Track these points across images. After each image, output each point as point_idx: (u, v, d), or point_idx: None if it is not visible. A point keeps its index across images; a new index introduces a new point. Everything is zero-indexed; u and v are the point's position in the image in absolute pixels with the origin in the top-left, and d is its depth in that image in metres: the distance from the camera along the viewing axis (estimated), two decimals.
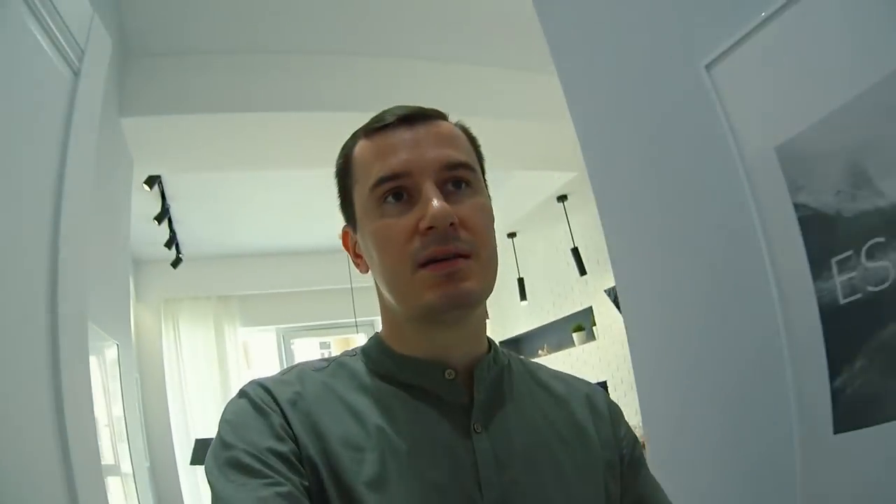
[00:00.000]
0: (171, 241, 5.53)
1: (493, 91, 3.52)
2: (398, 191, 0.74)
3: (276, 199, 5.44)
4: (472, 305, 0.74)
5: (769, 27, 0.98)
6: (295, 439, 0.69)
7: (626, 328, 1.38)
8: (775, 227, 0.98)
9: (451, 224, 0.71)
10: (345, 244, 0.87)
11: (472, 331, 0.81)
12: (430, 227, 0.70)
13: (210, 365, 6.47)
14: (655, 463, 1.16)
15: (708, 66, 1.09)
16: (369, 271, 0.82)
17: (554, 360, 6.37)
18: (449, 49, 3.48)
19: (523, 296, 6.37)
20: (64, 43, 1.39)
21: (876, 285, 0.85)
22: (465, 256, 0.72)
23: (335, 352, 7.35)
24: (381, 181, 0.74)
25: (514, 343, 7.62)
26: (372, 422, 0.73)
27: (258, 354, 7.35)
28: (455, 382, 0.78)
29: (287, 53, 3.28)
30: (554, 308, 6.54)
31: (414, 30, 3.31)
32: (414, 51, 3.48)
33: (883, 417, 0.85)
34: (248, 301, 6.85)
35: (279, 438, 0.68)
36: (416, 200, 0.73)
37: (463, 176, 0.76)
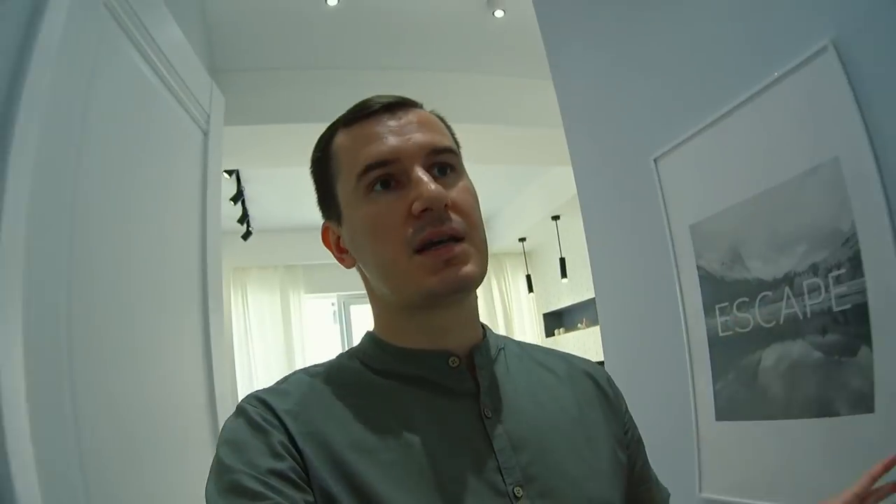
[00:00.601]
0: (244, 218, 6.13)
1: (538, 101, 3.95)
2: (387, 178, 0.73)
3: None
4: (472, 289, 0.74)
5: (698, 138, 1.39)
6: (299, 453, 0.66)
7: (601, 327, 1.86)
8: (686, 280, 1.42)
9: (445, 206, 0.71)
10: (325, 241, 0.84)
11: (469, 314, 0.80)
12: (425, 210, 0.70)
13: (275, 329, 7.09)
14: None
15: (656, 160, 1.53)
16: (355, 265, 0.81)
17: (593, 333, 6.84)
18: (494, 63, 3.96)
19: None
20: (195, 110, 1.89)
21: (741, 328, 1.29)
22: (460, 239, 0.71)
23: None
24: (369, 168, 0.72)
25: (557, 316, 8.15)
26: (380, 421, 0.71)
27: (320, 320, 7.92)
28: (460, 370, 0.76)
29: (342, 69, 3.83)
30: (591, 286, 6.95)
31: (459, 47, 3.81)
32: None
33: (741, 416, 1.30)
34: (311, 270, 7.44)
35: (278, 457, 0.65)
36: (404, 186, 0.72)
37: (449, 160, 0.76)
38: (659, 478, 0.92)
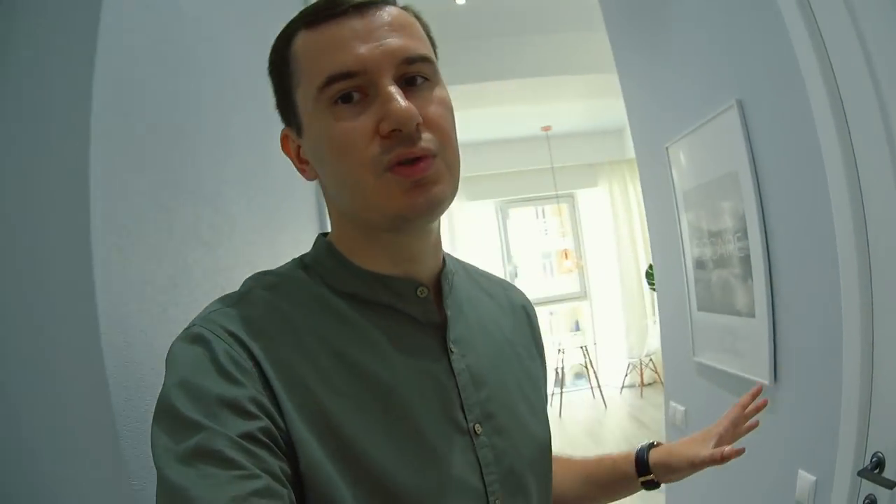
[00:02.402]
0: None
1: None
2: (351, 90, 0.66)
3: (489, 109, 6.92)
4: (441, 211, 0.70)
5: (681, 142, 2.17)
6: (272, 395, 0.60)
7: (652, 255, 2.72)
8: (683, 224, 2.24)
9: (417, 125, 0.65)
10: (285, 149, 0.78)
11: (436, 239, 0.77)
12: (395, 130, 0.64)
13: (443, 234, 8.23)
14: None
15: (667, 147, 2.32)
16: (317, 179, 0.75)
17: None
18: None
19: None
20: None
21: (703, 257, 2.13)
22: (432, 157, 0.67)
23: (549, 221, 8.68)
24: (332, 80, 0.66)
25: None
26: (349, 354, 0.67)
27: (481, 224, 8.86)
28: (428, 300, 0.74)
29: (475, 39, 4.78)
30: None
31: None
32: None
33: (706, 309, 2.15)
34: (472, 180, 8.38)
35: (251, 416, 0.57)
36: (372, 99, 0.66)
37: (422, 70, 0.69)
38: (674, 349, 1.58)
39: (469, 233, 8.44)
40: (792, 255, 1.62)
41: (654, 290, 6.41)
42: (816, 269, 1.49)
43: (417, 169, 0.66)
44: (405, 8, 0.75)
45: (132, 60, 0.95)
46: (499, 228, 8.83)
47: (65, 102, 0.83)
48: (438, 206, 0.69)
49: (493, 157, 8.32)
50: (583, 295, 8.89)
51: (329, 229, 0.81)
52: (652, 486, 1.00)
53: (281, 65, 0.73)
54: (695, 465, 0.95)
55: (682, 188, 2.23)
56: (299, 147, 0.76)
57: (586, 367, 8.05)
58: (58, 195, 0.82)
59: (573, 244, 8.91)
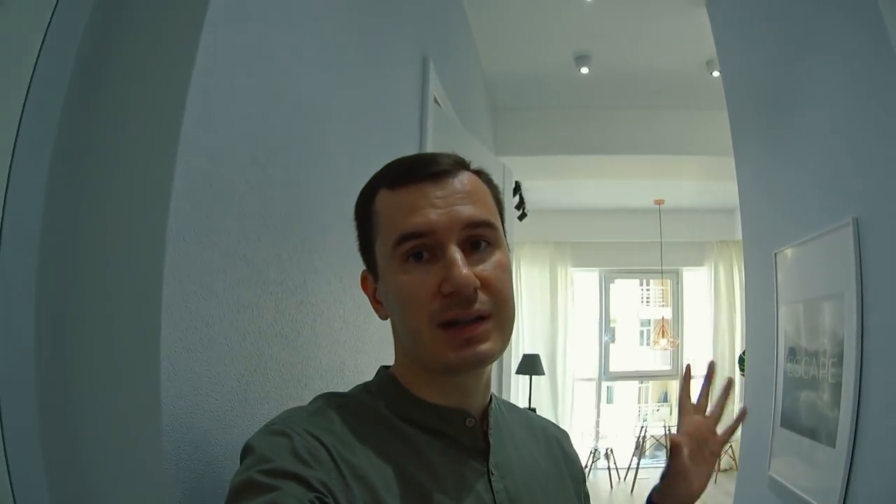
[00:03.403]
0: (520, 205, 7.27)
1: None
2: (421, 249, 0.74)
3: (602, 180, 6.93)
4: (486, 365, 0.78)
5: (804, 245, 2.13)
6: (343, 493, 0.67)
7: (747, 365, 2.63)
8: (780, 333, 2.18)
9: (474, 289, 0.72)
10: (364, 288, 0.86)
11: (485, 380, 0.84)
12: (453, 292, 0.71)
13: (542, 296, 8.22)
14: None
15: (775, 253, 2.26)
16: (388, 319, 0.83)
17: None
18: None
19: None
20: None
21: (794, 374, 2.04)
22: (485, 318, 0.74)
23: (653, 291, 8.56)
24: (405, 239, 0.74)
25: None
26: (407, 468, 0.74)
27: (583, 291, 8.80)
28: (475, 429, 0.81)
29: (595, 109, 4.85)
30: None
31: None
32: None
33: (790, 428, 2.05)
34: (578, 247, 8.37)
35: (317, 491, 0.64)
36: (438, 258, 0.74)
37: (485, 235, 0.76)
38: (751, 459, 1.58)
39: (571, 299, 8.40)
40: (885, 389, 1.56)
41: (744, 375, 6.15)
42: None
43: (466, 330, 0.73)
44: (478, 172, 0.84)
45: (218, 159, 0.94)
46: (600, 296, 8.73)
47: (143, 202, 0.84)
48: (485, 361, 0.76)
49: (602, 225, 8.28)
50: (674, 373, 8.61)
51: (391, 362, 0.89)
52: None
53: (365, 215, 0.82)
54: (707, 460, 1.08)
55: (786, 298, 2.19)
56: (375, 289, 0.84)
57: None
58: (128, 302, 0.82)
59: (671, 320, 8.68)
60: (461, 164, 0.81)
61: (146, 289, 0.81)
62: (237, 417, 0.98)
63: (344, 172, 1.47)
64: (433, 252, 0.74)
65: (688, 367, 1.21)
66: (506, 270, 0.78)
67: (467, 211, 0.75)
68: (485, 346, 0.74)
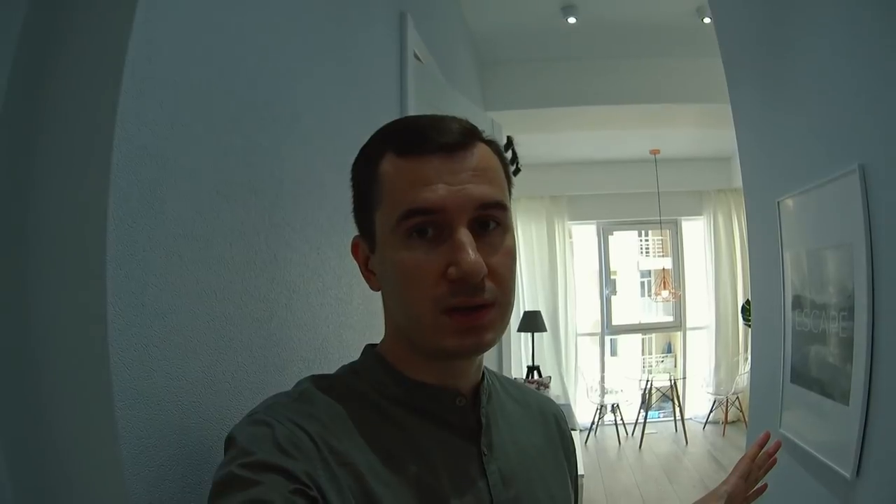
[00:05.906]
0: (513, 160, 7.13)
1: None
2: (427, 226, 0.71)
3: (596, 131, 6.80)
4: (484, 352, 0.77)
5: (807, 193, 2.03)
6: (329, 481, 0.65)
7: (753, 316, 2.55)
8: (786, 284, 2.11)
9: (482, 277, 0.70)
10: (355, 255, 0.83)
11: (479, 361, 0.83)
12: (461, 278, 0.69)
13: (541, 252, 8.16)
14: None
15: (778, 202, 2.17)
16: (380, 290, 0.80)
17: None
18: None
19: None
20: None
21: (803, 327, 1.97)
22: (490, 306, 0.72)
23: (651, 242, 8.56)
24: (412, 213, 0.70)
25: None
26: (395, 450, 0.73)
27: (582, 244, 8.78)
28: (466, 409, 0.80)
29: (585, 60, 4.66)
30: None
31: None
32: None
33: (799, 384, 1.99)
34: (574, 200, 8.30)
35: (300, 482, 0.62)
36: (444, 238, 0.70)
37: (495, 215, 0.74)
38: (761, 416, 1.54)
39: (570, 253, 8.34)
40: None
41: (749, 326, 6.13)
42: None
43: (473, 317, 0.71)
44: (490, 142, 0.79)
45: (163, 132, 0.85)
46: (599, 249, 8.67)
47: (79, 182, 0.75)
48: (483, 350, 0.75)
49: (598, 177, 8.19)
50: (677, 325, 8.60)
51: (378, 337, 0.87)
52: None
53: (366, 179, 0.78)
54: None
55: (790, 249, 2.09)
56: (368, 258, 0.81)
57: (673, 401, 7.81)
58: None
59: (672, 270, 8.64)
60: (474, 134, 0.77)
61: (87, 280, 0.73)
62: (207, 411, 0.91)
63: (316, 136, 1.37)
64: (440, 230, 0.71)
65: (766, 434, 1.19)
66: (512, 257, 0.77)
67: (480, 191, 0.73)
68: (488, 336, 0.73)
